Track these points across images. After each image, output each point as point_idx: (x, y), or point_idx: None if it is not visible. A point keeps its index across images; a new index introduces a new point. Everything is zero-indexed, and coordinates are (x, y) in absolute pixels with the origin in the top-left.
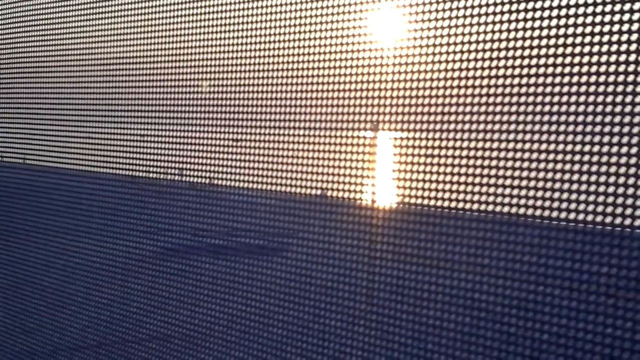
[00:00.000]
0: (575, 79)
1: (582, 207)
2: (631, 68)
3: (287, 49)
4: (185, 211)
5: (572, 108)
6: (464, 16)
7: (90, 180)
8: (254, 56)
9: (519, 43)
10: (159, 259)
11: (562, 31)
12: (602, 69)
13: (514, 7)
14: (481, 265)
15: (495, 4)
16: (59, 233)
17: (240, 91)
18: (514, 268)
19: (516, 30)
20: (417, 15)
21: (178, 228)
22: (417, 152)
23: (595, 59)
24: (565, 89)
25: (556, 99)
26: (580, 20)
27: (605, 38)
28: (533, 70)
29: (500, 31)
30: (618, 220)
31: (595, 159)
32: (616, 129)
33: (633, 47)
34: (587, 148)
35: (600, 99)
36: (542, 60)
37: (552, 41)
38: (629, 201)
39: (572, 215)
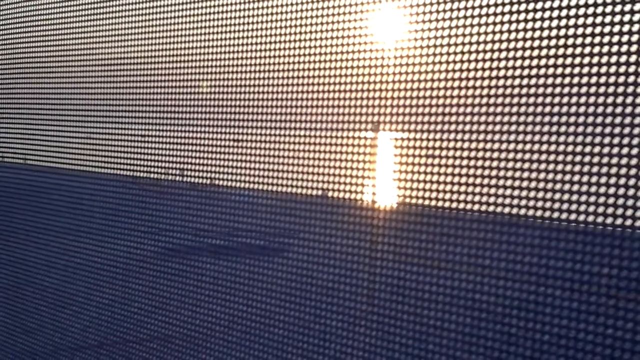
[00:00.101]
0: (576, 79)
1: (582, 208)
2: (632, 69)
3: (288, 49)
4: (186, 212)
5: (573, 109)
6: (464, 17)
7: (91, 180)
8: (255, 57)
9: (520, 44)
10: (160, 259)
11: (562, 32)
12: (603, 69)
13: (515, 7)
14: (482, 266)
15: (496, 5)
16: (59, 233)
17: (241, 92)
18: (514, 269)
19: (517, 31)
20: (418, 16)
21: (179, 228)
22: (417, 152)
23: (595, 60)
24: (566, 89)
25: (557, 99)
26: (580, 21)
27: (606, 39)
28: (534, 71)
29: (501, 32)
30: (619, 221)
31: (596, 159)
32: (617, 130)
33: (634, 48)
34: (587, 149)
35: (600, 99)
36: (543, 62)
37: (553, 42)
38: (630, 202)
39: (572, 216)
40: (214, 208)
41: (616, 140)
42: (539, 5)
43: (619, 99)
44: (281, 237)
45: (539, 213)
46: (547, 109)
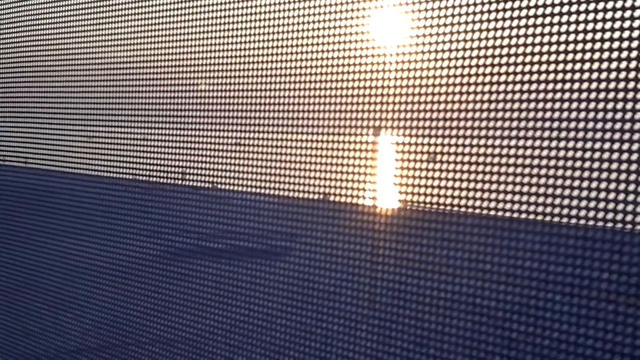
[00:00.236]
0: (576, 84)
1: (582, 213)
2: (632, 74)
3: (290, 53)
4: (188, 215)
5: (573, 114)
6: (466, 22)
7: (92, 182)
8: (256, 60)
9: (520, 47)
10: (162, 262)
11: (562, 38)
12: (603, 75)
13: (515, 14)
14: (483, 271)
15: (497, 11)
16: (60, 235)
17: (243, 95)
18: (515, 274)
19: (517, 36)
20: (419, 21)
21: (180, 232)
22: (419, 156)
23: (596, 65)
24: (566, 95)
25: (557, 105)
26: (581, 27)
27: (606, 45)
28: (534, 77)
29: (502, 38)
30: (619, 225)
31: (596, 165)
32: (617, 136)
33: (634, 54)
34: (587, 154)
35: (601, 105)
36: (544, 67)
37: (554, 48)
38: (630, 207)
39: (573, 220)
40: (216, 212)
41: (616, 145)
42: (540, 11)
43: (619, 105)
44: (282, 240)
45: (539, 217)
46: (548, 115)
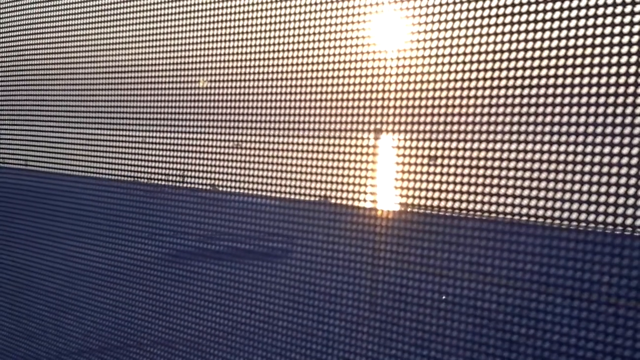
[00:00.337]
0: (577, 88)
1: (583, 216)
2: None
3: (290, 50)
4: (188, 217)
5: (574, 118)
6: (467, 27)
7: (93, 184)
8: (257, 64)
9: (522, 50)
10: (163, 264)
11: (563, 43)
12: (603, 80)
13: (516, 18)
14: (484, 274)
15: (497, 16)
16: (61, 238)
17: (242, 97)
18: (516, 277)
19: (518, 41)
20: (420, 26)
21: (180, 234)
22: (420, 159)
23: (596, 70)
24: (567, 100)
25: (557, 109)
26: (581, 32)
27: (606, 50)
28: (535, 81)
29: (502, 42)
30: (620, 227)
31: (596, 169)
32: (617, 140)
33: (634, 59)
34: (588, 158)
35: (601, 110)
36: (544, 71)
37: (554, 53)
38: (629, 211)
39: (574, 223)
40: (216, 215)
41: (616, 150)
42: (540, 16)
43: (619, 109)
44: (282, 242)
45: (540, 220)
46: (548, 119)
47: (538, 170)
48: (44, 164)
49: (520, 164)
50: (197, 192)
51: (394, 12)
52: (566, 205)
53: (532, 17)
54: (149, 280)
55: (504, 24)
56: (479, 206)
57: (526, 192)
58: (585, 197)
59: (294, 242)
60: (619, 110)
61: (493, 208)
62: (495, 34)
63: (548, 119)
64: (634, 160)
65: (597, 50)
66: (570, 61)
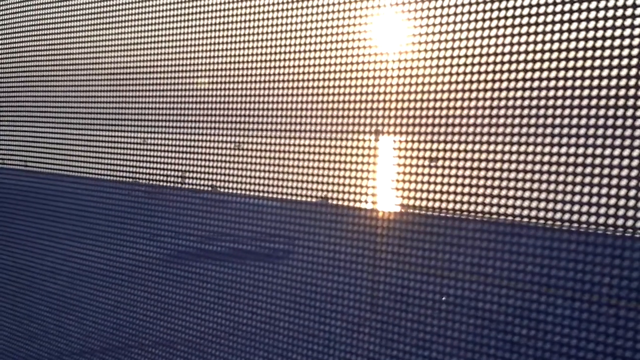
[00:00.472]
0: (577, 90)
1: (584, 218)
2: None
3: (291, 52)
4: (189, 218)
5: (575, 120)
6: (468, 29)
7: (93, 185)
8: (258, 66)
9: (522, 52)
10: (163, 265)
11: (564, 45)
12: (604, 83)
13: (517, 20)
14: (484, 275)
15: (499, 17)
16: (62, 238)
17: (243, 98)
18: (516, 278)
19: (519, 42)
20: (422, 28)
21: (181, 235)
22: (420, 161)
23: (596, 73)
24: (567, 102)
25: (558, 111)
26: (582, 34)
27: (607, 52)
28: (535, 83)
29: (504, 44)
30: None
31: (597, 171)
32: (617, 142)
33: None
34: (588, 160)
35: (602, 112)
36: (545, 73)
37: (555, 55)
38: (630, 213)
39: (574, 224)
40: (217, 216)
41: (616, 151)
42: (541, 19)
43: (620, 111)
44: (283, 243)
45: (541, 221)
46: (549, 120)
47: (539, 171)
48: (44, 165)
49: (520, 166)
50: (197, 192)
51: (395, 14)
52: (567, 207)
53: (532, 19)
54: (150, 281)
55: (504, 27)
56: (479, 207)
57: (527, 194)
58: (585, 198)
59: (295, 243)
60: (620, 112)
61: (494, 209)
62: (497, 36)
63: (549, 120)
64: (635, 162)
65: (598, 53)
66: (571, 63)
